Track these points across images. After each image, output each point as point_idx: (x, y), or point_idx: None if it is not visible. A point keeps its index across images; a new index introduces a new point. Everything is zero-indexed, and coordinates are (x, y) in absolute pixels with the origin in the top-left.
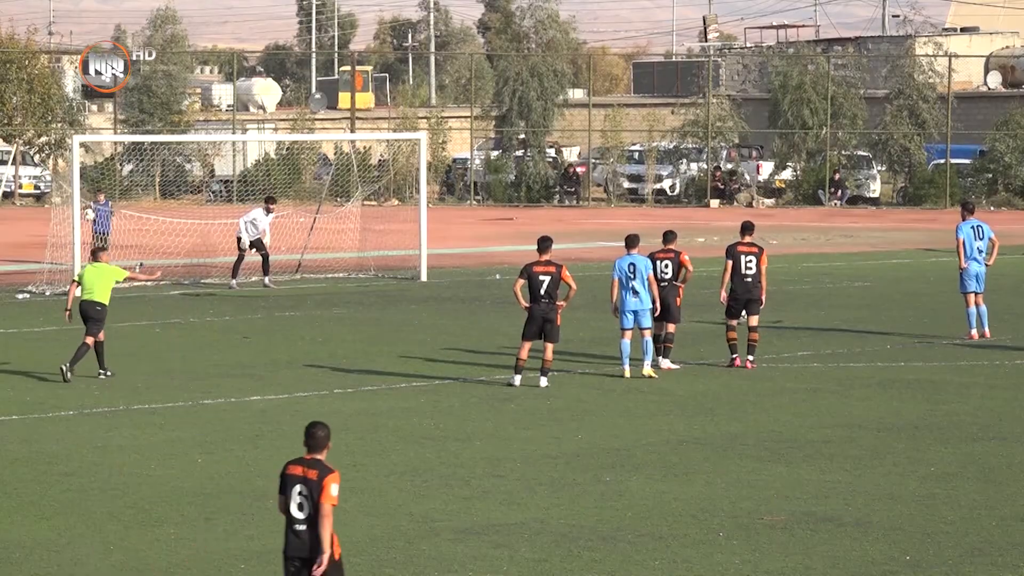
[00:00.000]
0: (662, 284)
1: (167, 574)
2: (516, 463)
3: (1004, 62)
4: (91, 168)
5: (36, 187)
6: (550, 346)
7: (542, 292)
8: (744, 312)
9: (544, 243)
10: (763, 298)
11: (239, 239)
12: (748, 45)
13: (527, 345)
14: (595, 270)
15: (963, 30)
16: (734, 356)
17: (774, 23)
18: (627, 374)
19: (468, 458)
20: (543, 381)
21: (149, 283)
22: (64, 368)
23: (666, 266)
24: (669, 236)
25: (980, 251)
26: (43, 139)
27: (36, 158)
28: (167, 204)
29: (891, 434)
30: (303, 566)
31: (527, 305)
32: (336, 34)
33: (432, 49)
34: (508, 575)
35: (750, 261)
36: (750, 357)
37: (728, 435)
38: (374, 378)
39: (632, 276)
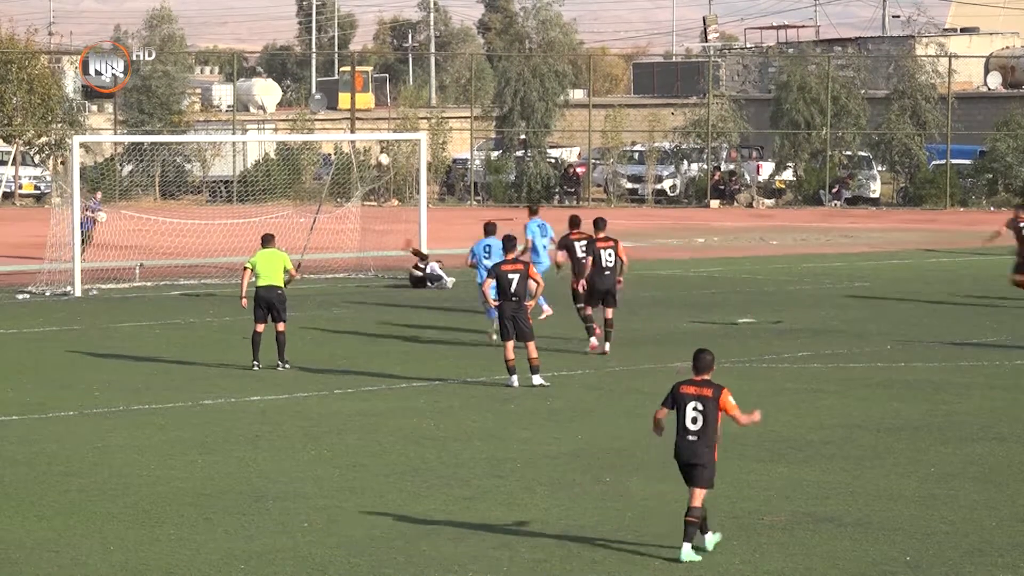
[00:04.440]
0: (606, 272)
1: (167, 574)
2: (516, 463)
3: (1004, 62)
4: (91, 168)
5: (36, 187)
6: (531, 345)
7: (512, 290)
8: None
9: (509, 242)
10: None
11: None
12: (748, 45)
13: (509, 344)
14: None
15: (963, 31)
16: (592, 335)
17: (774, 23)
18: (493, 337)
19: (468, 458)
20: (537, 379)
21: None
22: (280, 365)
23: (609, 255)
24: (600, 223)
25: (545, 247)
26: (43, 139)
27: (36, 158)
28: (167, 204)
29: (891, 434)
30: (692, 468)
31: (496, 303)
32: (336, 34)
33: (432, 49)
34: (508, 575)
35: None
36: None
37: (728, 435)
38: (374, 378)
39: (487, 256)
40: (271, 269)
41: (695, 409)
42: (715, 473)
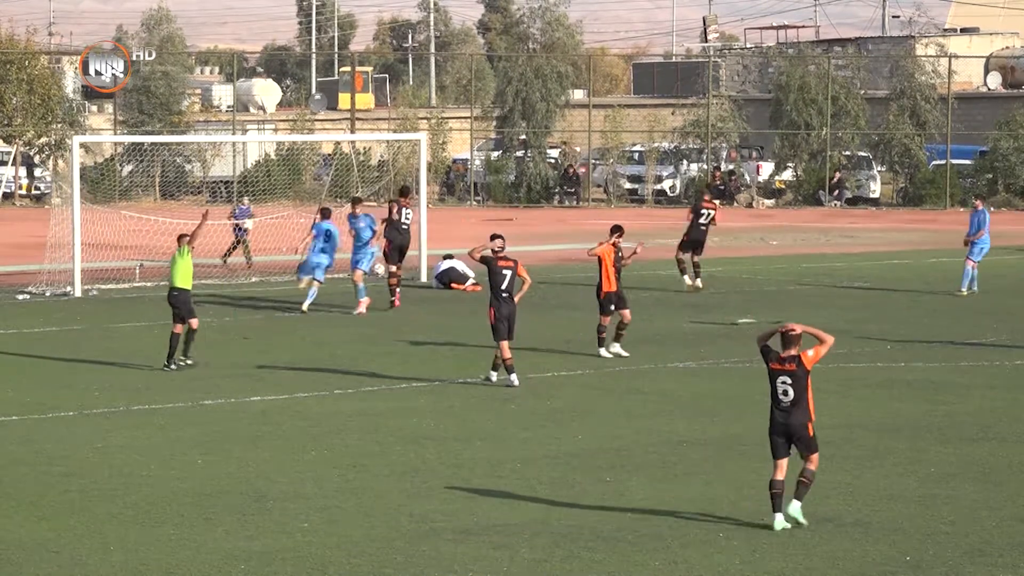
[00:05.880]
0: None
1: (167, 574)
2: (516, 463)
3: (1004, 63)
4: (91, 168)
5: (36, 188)
6: (506, 343)
7: (503, 287)
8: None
9: (499, 240)
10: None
11: None
12: (748, 46)
13: (504, 344)
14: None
15: (963, 31)
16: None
17: (774, 24)
18: (305, 309)
19: (468, 458)
20: (494, 376)
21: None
22: (166, 366)
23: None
24: (616, 229)
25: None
26: (43, 140)
27: (36, 159)
28: (167, 205)
29: (891, 434)
30: (786, 435)
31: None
32: (336, 35)
33: (432, 50)
34: (508, 575)
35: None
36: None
37: (728, 435)
38: (374, 378)
39: (327, 240)
40: (173, 270)
41: (784, 383)
42: (817, 442)
